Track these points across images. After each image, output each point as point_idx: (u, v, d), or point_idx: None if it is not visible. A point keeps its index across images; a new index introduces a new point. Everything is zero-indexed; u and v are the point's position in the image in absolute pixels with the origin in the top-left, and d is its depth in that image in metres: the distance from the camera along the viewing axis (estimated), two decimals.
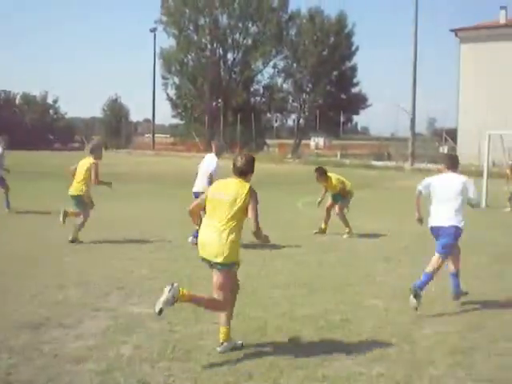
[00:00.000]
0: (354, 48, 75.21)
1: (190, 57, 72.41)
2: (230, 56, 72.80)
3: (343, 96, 75.28)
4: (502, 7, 52.31)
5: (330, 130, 69.10)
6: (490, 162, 22.89)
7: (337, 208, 14.37)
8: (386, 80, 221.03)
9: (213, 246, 6.29)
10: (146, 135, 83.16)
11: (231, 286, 6.39)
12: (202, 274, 9.55)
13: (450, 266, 8.59)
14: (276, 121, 77.15)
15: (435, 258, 8.23)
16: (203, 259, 6.48)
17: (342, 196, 14.39)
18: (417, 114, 46.82)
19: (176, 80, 73.61)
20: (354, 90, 76.92)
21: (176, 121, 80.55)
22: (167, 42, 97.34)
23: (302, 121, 75.41)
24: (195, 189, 12.45)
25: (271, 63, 74.11)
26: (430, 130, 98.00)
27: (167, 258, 10.94)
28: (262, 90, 76.59)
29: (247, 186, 6.39)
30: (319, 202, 14.80)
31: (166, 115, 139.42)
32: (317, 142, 71.40)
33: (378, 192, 25.74)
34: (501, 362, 6.19)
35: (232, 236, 6.25)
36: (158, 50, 72.25)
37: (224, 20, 71.32)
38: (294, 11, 73.15)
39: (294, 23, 73.45)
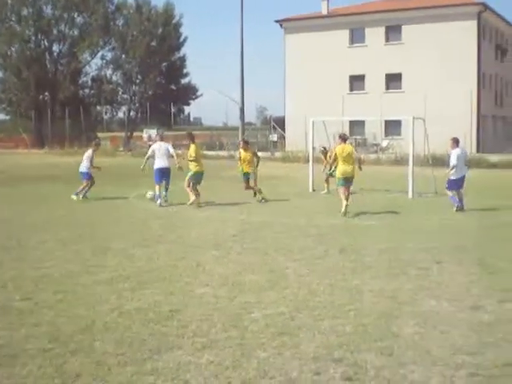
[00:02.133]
0: (182, 39, 75.49)
1: (13, 49, 69.46)
2: (55, 48, 70.57)
3: (173, 87, 75.36)
4: None
5: (162, 122, 68.78)
6: (317, 148, 23.64)
7: (186, 181, 17.56)
8: (216, 70, 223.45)
9: (351, 173, 15.63)
10: None
11: None
12: (26, 276, 9.25)
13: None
14: (106, 113, 75.78)
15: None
16: (346, 179, 15.63)
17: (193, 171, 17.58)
18: (247, 103, 47.76)
19: None
20: (184, 80, 77.28)
21: (1, 116, 77.28)
22: None
23: (132, 113, 74.70)
24: (160, 165, 17.90)
25: (99, 54, 72.84)
26: (260, 119, 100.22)
27: None
28: (90, 82, 75.04)
29: (351, 146, 16.69)
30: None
31: None
32: (149, 133, 70.71)
33: (212, 181, 25.87)
34: (325, 340, 6.42)
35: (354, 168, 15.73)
36: None
37: (48, 10, 69.01)
38: (121, 1, 72.11)
39: (121, 13, 72.42)
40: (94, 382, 5.45)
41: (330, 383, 5.40)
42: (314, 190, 21.49)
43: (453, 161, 16.56)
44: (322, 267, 9.80)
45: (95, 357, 6.00)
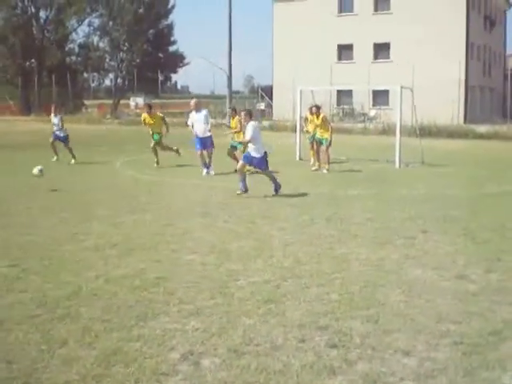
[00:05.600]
0: (170, 6, 74.85)
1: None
2: (42, 14, 69.97)
3: (161, 55, 74.89)
4: None
5: (149, 90, 68.44)
6: (304, 117, 23.57)
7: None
8: (204, 38, 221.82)
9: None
10: None
11: None
12: (12, 243, 9.22)
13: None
14: (93, 81, 75.29)
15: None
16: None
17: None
18: (235, 71, 47.50)
19: None
20: (172, 48, 76.80)
21: None
22: None
23: (119, 80, 74.23)
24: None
25: (86, 21, 72.22)
26: (248, 87, 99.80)
27: None
28: (77, 49, 74.64)
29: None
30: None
31: None
32: (136, 101, 70.44)
33: None
34: (310, 308, 6.43)
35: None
36: None
37: None
38: None
39: None
40: (80, 348, 5.44)
41: (315, 350, 5.42)
42: (300, 159, 21.47)
43: (248, 134, 13.86)
44: (307, 236, 9.81)
45: (82, 323, 6.00)
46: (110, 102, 69.45)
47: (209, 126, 17.51)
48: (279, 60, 52.98)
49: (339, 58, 52.15)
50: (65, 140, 20.40)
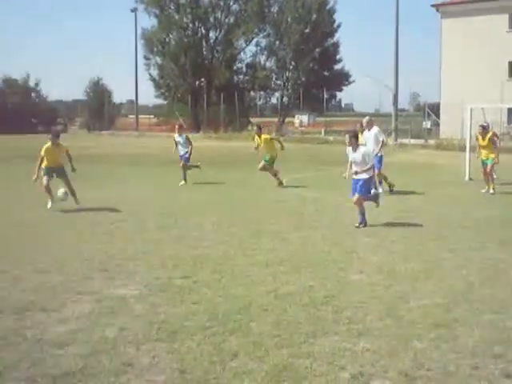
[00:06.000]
0: (336, 25, 75.13)
1: (171, 36, 72.06)
2: (212, 35, 72.60)
3: (326, 73, 75.29)
4: None
5: (314, 108, 69.00)
6: (473, 136, 22.82)
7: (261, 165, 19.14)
8: (370, 56, 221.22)
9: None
10: (130, 116, 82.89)
11: None
12: (185, 255, 9.60)
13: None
14: (260, 99, 77.04)
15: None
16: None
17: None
18: (400, 88, 46.76)
19: (158, 60, 73.44)
20: (337, 66, 77.00)
21: (159, 101, 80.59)
22: (148, 22, 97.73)
23: (285, 98, 75.32)
24: None
25: (254, 41, 74.07)
26: (413, 105, 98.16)
27: (151, 239, 10.89)
28: (245, 69, 76.56)
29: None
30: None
31: (149, 95, 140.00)
32: (301, 119, 71.34)
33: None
34: (484, 335, 6.20)
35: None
36: (139, 31, 71.81)
37: None
38: None
39: (276, 0, 73.05)
40: (251, 361, 5.55)
41: (489, 379, 5.21)
42: (470, 179, 20.75)
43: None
44: (479, 259, 9.45)
45: (252, 337, 6.12)
46: (275, 119, 70.68)
47: (379, 144, 16.71)
48: (447, 77, 51.60)
49: (510, 75, 50.07)
50: (186, 158, 19.83)
